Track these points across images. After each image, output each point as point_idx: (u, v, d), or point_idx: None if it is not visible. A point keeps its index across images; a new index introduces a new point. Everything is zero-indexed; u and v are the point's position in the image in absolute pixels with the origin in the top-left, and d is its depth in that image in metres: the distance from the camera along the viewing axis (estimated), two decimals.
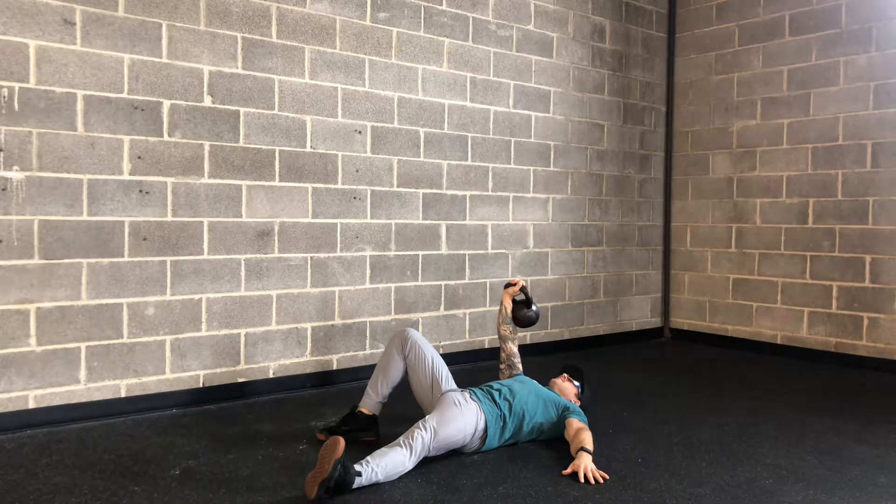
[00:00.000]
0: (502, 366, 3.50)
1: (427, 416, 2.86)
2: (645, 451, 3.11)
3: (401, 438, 2.74)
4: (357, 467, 2.53)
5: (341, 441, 2.48)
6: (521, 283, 3.52)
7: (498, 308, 3.53)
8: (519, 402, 3.10)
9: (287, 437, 3.23)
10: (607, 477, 2.75)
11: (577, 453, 2.86)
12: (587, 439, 2.93)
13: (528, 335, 5.10)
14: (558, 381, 3.41)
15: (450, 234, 4.71)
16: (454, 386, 3.13)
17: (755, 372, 4.79)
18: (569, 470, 2.79)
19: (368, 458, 2.61)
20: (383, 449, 2.69)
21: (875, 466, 2.95)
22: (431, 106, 4.59)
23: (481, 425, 2.97)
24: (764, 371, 4.82)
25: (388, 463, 2.62)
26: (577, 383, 3.42)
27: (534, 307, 3.52)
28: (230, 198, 3.82)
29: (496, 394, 3.10)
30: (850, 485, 2.75)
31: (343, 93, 4.20)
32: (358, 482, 2.51)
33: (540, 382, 3.35)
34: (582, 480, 2.71)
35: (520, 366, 3.50)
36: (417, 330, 4.55)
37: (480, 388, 3.16)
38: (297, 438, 3.20)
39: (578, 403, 3.36)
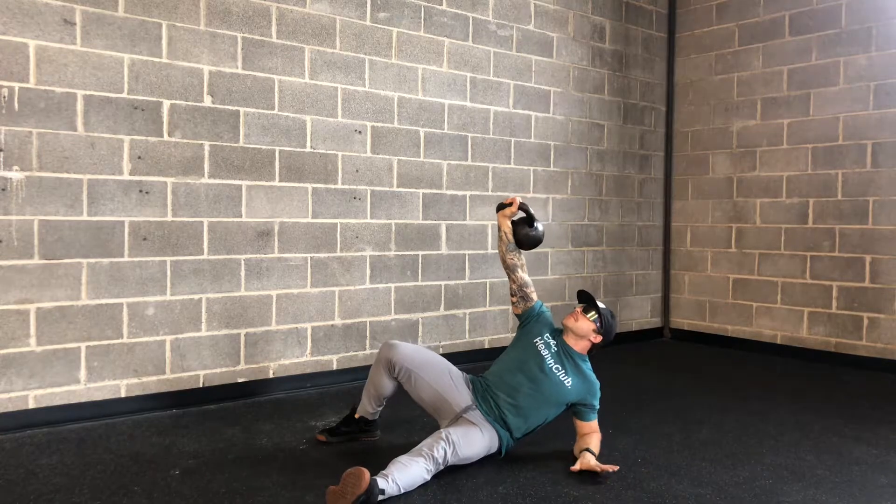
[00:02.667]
0: (514, 298, 3.16)
1: (451, 429, 2.75)
2: (645, 451, 3.11)
3: (423, 448, 2.63)
4: (380, 482, 2.44)
5: (366, 475, 2.37)
6: (518, 199, 3.14)
7: (497, 235, 3.15)
8: (530, 421, 2.95)
9: (287, 437, 3.23)
10: (616, 467, 2.75)
11: (580, 453, 2.83)
12: (594, 442, 2.91)
13: None
14: (571, 321, 3.02)
15: (450, 234, 4.71)
16: (466, 398, 2.93)
17: (755, 372, 4.79)
18: (577, 467, 2.77)
19: (391, 469, 2.52)
20: (404, 459, 2.59)
21: (875, 466, 2.95)
22: (431, 106, 4.58)
23: (495, 447, 2.90)
24: (764, 371, 4.82)
25: (409, 477, 2.54)
26: (593, 318, 3.00)
27: (538, 225, 3.14)
28: (230, 198, 3.82)
29: (508, 414, 2.91)
30: (850, 485, 2.75)
31: (343, 93, 4.20)
32: (381, 498, 2.45)
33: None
34: (602, 471, 2.73)
35: (534, 295, 3.16)
36: (417, 330, 4.55)
37: (491, 402, 2.93)
38: (297, 438, 3.20)
39: (599, 339, 3.03)
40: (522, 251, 3.19)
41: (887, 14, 4.85)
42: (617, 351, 5.45)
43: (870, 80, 4.92)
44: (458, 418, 2.88)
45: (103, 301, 3.47)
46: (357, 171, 4.27)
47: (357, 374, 4.23)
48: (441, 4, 4.61)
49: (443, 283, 4.68)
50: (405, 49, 4.46)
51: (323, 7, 4.11)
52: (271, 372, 3.99)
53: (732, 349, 5.56)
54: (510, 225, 3.15)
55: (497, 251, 3.24)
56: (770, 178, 5.44)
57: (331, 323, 4.21)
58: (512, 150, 5.01)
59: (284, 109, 3.99)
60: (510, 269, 3.16)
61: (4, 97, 3.20)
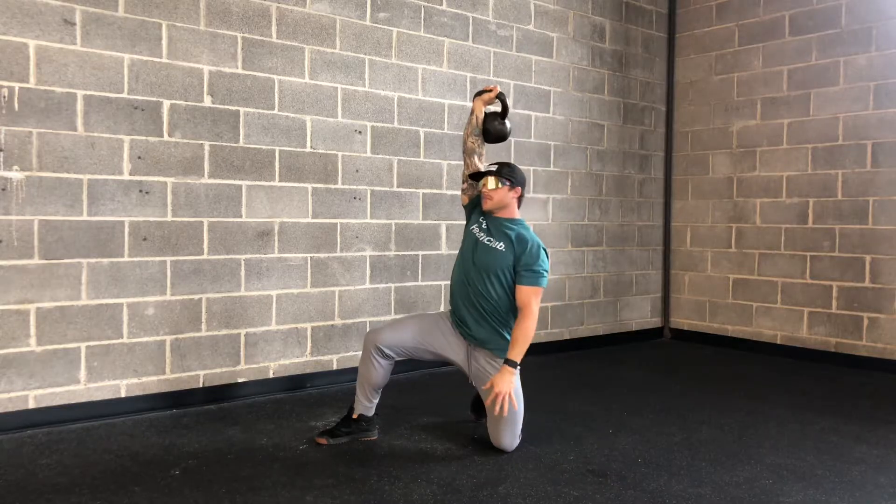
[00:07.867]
0: (464, 185, 3.24)
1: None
2: (645, 451, 3.11)
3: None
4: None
5: None
6: (498, 88, 3.14)
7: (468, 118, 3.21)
8: (482, 311, 3.06)
9: (287, 437, 3.23)
10: (516, 406, 2.86)
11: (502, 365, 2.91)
12: (520, 339, 2.89)
13: None
14: (487, 203, 3.08)
15: (450, 234, 4.71)
16: (459, 348, 3.13)
17: (755, 372, 4.79)
18: (487, 386, 2.87)
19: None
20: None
21: (875, 466, 2.96)
22: (431, 106, 4.58)
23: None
24: (764, 371, 4.82)
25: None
26: (500, 184, 3.05)
27: (507, 121, 3.16)
28: (230, 198, 3.82)
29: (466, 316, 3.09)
30: (850, 485, 2.75)
31: (343, 93, 4.20)
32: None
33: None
34: (496, 411, 2.82)
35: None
36: None
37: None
38: (297, 438, 3.20)
39: (519, 191, 3.09)
40: (486, 143, 3.22)
41: (887, 14, 4.85)
42: (617, 351, 5.46)
43: (870, 80, 4.92)
44: (467, 372, 3.14)
45: (103, 301, 3.47)
46: (357, 171, 4.27)
47: (357, 374, 4.22)
48: (441, 4, 4.61)
49: (443, 283, 4.68)
50: (405, 49, 4.46)
51: (323, 7, 4.11)
52: (271, 372, 3.99)
53: (732, 349, 5.56)
54: (483, 111, 3.19)
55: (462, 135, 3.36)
56: (770, 178, 5.44)
57: (331, 323, 4.21)
58: (512, 149, 5.01)
59: (284, 109, 3.99)
60: (468, 153, 3.21)
61: (4, 97, 3.20)
